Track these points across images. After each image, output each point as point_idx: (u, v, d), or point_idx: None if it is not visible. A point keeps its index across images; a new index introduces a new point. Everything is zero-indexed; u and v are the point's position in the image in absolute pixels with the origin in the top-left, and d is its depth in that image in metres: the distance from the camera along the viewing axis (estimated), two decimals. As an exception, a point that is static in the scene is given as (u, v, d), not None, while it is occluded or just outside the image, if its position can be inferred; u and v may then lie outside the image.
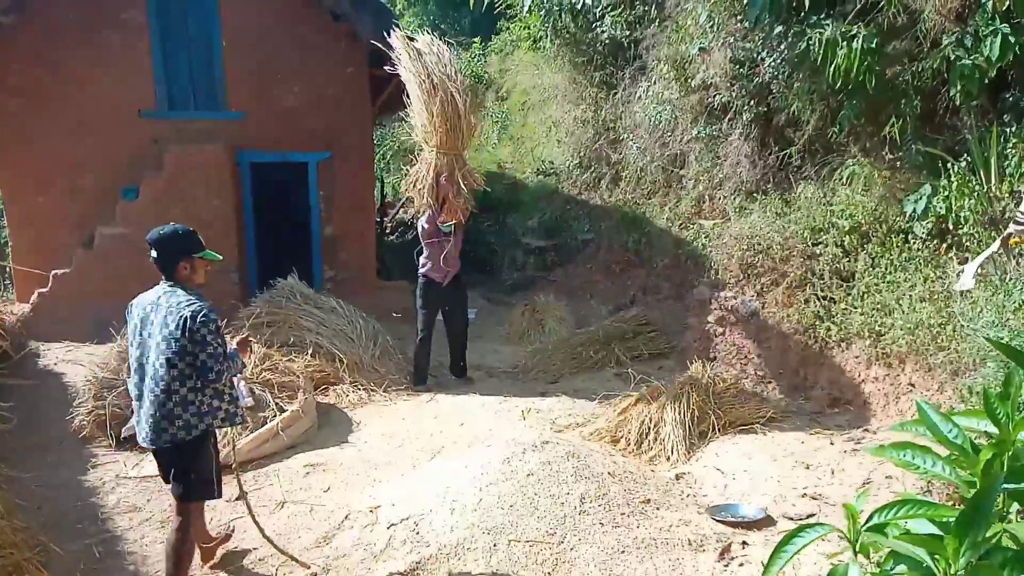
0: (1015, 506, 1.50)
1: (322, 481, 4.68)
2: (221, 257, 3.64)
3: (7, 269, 8.89)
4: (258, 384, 5.52)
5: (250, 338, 3.96)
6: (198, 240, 3.47)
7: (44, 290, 7.78)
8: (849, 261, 5.61)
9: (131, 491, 4.57)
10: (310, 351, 6.46)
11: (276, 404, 5.40)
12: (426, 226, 6.44)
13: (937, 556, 1.33)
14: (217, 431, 3.54)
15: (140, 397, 3.34)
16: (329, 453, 5.13)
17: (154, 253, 3.35)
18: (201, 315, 3.19)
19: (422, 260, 6.58)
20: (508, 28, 14.02)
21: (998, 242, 4.00)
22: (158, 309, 3.27)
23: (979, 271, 4.10)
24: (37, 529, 3.86)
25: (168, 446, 3.27)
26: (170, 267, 3.37)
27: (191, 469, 3.34)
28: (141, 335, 3.32)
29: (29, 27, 7.77)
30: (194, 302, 3.25)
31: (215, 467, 3.44)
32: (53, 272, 7.80)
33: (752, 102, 6.78)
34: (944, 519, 1.41)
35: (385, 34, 6.99)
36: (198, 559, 3.65)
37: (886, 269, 5.28)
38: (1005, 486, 1.43)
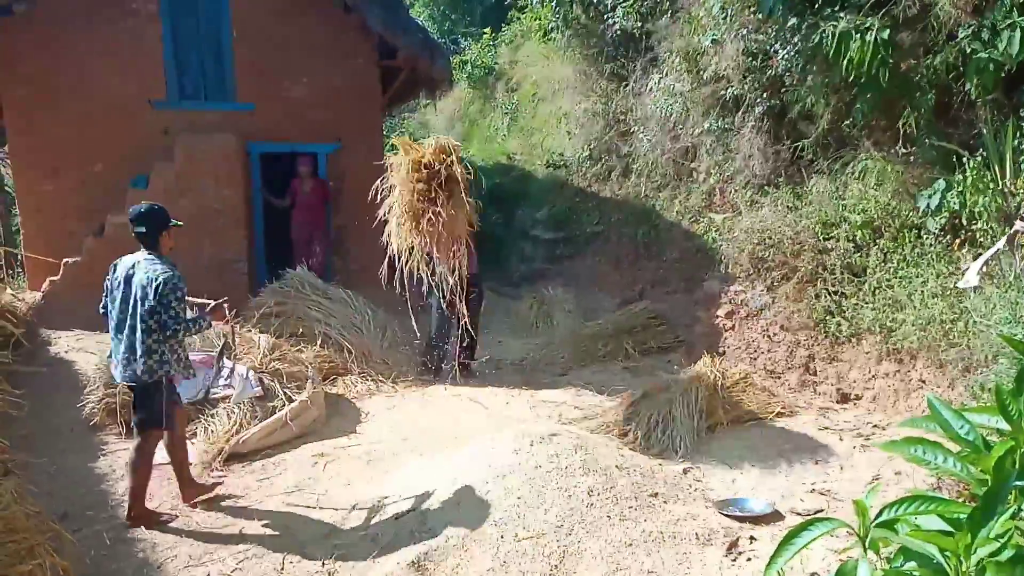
0: (1027, 503, 1.49)
1: (330, 471, 4.70)
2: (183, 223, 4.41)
3: (19, 257, 8.95)
4: (267, 374, 5.55)
5: (225, 303, 4.44)
6: (167, 212, 4.18)
7: (55, 278, 7.82)
8: (861, 256, 5.57)
9: (141, 479, 4.60)
10: (319, 342, 6.48)
11: (285, 394, 5.41)
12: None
13: (948, 553, 1.32)
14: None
15: (117, 340, 4.04)
16: (337, 443, 5.15)
17: (142, 228, 4.02)
18: (171, 283, 3.90)
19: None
20: (519, 19, 13.97)
21: (1003, 239, 3.96)
22: (138, 272, 3.96)
23: (984, 268, 4.06)
24: (49, 515, 3.89)
25: (133, 383, 4.04)
26: (155, 238, 4.06)
27: (147, 405, 4.07)
28: (121, 289, 4.00)
29: (41, 16, 7.79)
30: (168, 271, 3.93)
31: (168, 408, 4.09)
32: (64, 261, 7.83)
33: (765, 95, 6.72)
34: (955, 515, 1.40)
35: (395, 27, 6.76)
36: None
37: (898, 264, 5.24)
38: (1017, 483, 1.42)
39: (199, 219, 7.91)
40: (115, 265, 4.14)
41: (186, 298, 4.04)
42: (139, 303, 3.91)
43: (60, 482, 4.54)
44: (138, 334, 3.92)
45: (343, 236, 8.97)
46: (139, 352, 3.93)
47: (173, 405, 4.14)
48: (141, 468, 4.07)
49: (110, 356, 4.21)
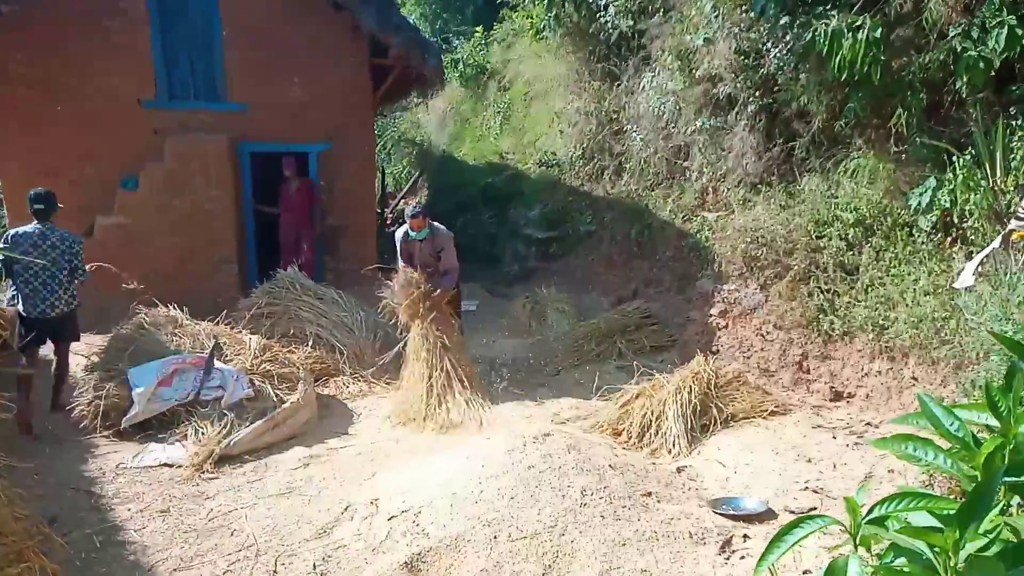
0: (1016, 499, 1.49)
1: (322, 472, 4.68)
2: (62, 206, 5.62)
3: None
4: (258, 375, 5.52)
5: (104, 265, 5.71)
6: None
7: (46, 280, 7.77)
8: (853, 254, 5.58)
9: (131, 481, 4.57)
10: (310, 342, 6.46)
11: (276, 395, 5.39)
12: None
13: (937, 549, 1.32)
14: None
15: (33, 290, 5.27)
16: (329, 444, 5.13)
17: (41, 205, 5.35)
18: (79, 242, 5.47)
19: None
20: (511, 18, 13.96)
21: (999, 239, 3.97)
22: (47, 238, 5.29)
23: (979, 268, 4.07)
24: (37, 518, 3.86)
25: (55, 315, 5.34)
26: (51, 212, 5.41)
27: (72, 327, 5.54)
28: (30, 254, 5.19)
29: (30, 17, 7.74)
30: (75, 234, 5.57)
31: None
32: (54, 262, 7.79)
33: (757, 94, 6.73)
34: (944, 512, 1.40)
35: (387, 25, 6.82)
36: None
37: (890, 263, 5.25)
38: (1006, 479, 1.42)
39: (189, 219, 7.89)
40: (16, 238, 5.26)
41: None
42: (65, 258, 5.31)
43: (49, 485, 4.50)
44: (62, 279, 5.31)
45: (334, 236, 8.94)
46: (62, 292, 5.33)
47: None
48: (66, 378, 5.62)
49: (33, 303, 5.30)
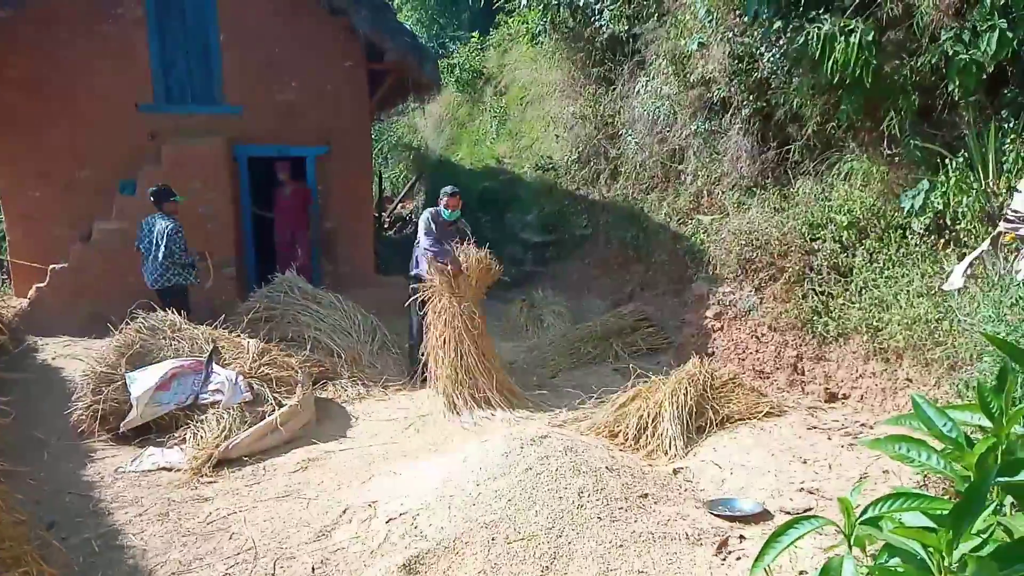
0: (1009, 499, 1.51)
1: (320, 475, 4.69)
2: (183, 198, 6.93)
3: (5, 264, 8.88)
4: (256, 379, 5.53)
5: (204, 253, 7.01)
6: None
7: (42, 285, 7.77)
8: (847, 256, 5.62)
9: (130, 485, 4.58)
10: (308, 346, 6.47)
11: (275, 399, 5.40)
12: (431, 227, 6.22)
13: (931, 549, 1.34)
14: None
15: (143, 266, 6.70)
16: (327, 448, 5.14)
17: (152, 198, 6.69)
18: (174, 230, 6.56)
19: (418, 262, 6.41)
20: (507, 23, 13.99)
21: (988, 241, 4.00)
22: (151, 225, 6.65)
23: (969, 271, 4.10)
24: (36, 523, 3.86)
25: (157, 288, 6.62)
26: (161, 203, 6.65)
27: (173, 300, 6.40)
28: (148, 235, 6.63)
29: (26, 20, 7.75)
30: (173, 224, 6.59)
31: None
32: (51, 267, 7.79)
33: (751, 97, 6.77)
34: (938, 512, 1.42)
35: (383, 30, 6.89)
36: None
37: (884, 264, 5.28)
38: (999, 479, 1.44)
39: (187, 223, 7.88)
40: (146, 219, 6.78)
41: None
42: (164, 239, 6.50)
43: (48, 490, 4.50)
44: (163, 258, 6.54)
45: (331, 240, 8.95)
46: (163, 269, 6.61)
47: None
48: None
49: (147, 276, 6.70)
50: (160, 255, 6.46)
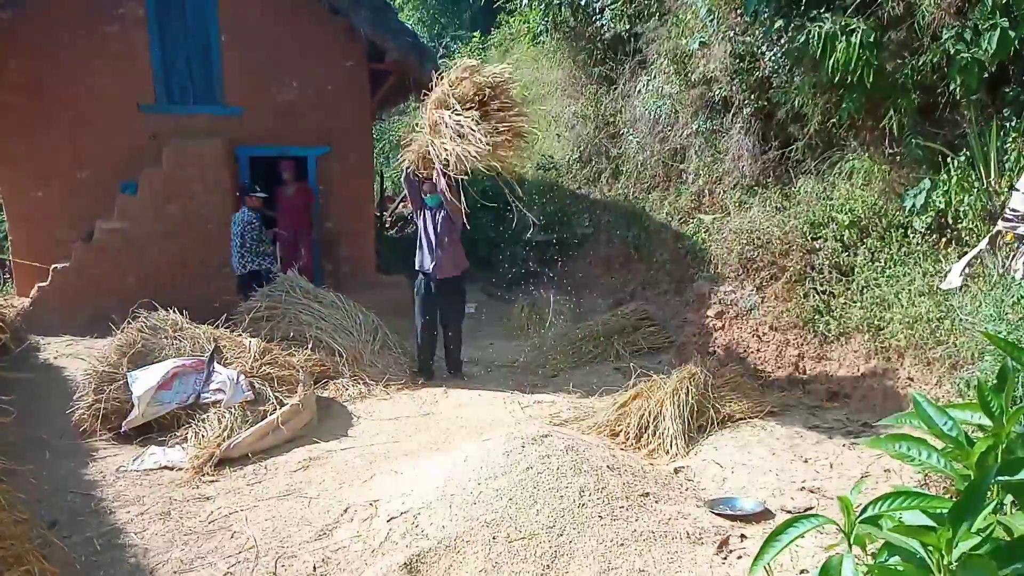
0: (1009, 497, 1.51)
1: (322, 474, 4.70)
2: (265, 194, 7.61)
3: (7, 263, 8.89)
4: (258, 378, 5.53)
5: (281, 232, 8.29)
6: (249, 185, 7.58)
7: (44, 284, 7.78)
8: (848, 255, 5.61)
9: (131, 484, 4.58)
10: (310, 345, 6.47)
11: (276, 398, 5.40)
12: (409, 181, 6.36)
13: (931, 547, 1.34)
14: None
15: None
16: (329, 447, 5.14)
17: (239, 192, 7.62)
18: (248, 222, 7.28)
19: (418, 254, 6.55)
20: (508, 23, 13.99)
21: (986, 240, 4.00)
22: (235, 218, 7.37)
23: (967, 270, 4.09)
24: (38, 521, 3.87)
25: (238, 274, 7.41)
26: (243, 198, 7.46)
27: (257, 280, 7.17)
28: (234, 226, 7.34)
29: (27, 21, 7.76)
30: (248, 215, 7.33)
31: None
32: (53, 266, 7.80)
33: (752, 96, 6.77)
34: (938, 511, 1.42)
35: (384, 30, 6.92)
36: None
37: (885, 264, 5.28)
38: (999, 478, 1.44)
39: (188, 223, 7.91)
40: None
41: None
42: (240, 229, 7.40)
43: (50, 489, 4.51)
44: (238, 247, 7.43)
45: (333, 239, 8.96)
46: (239, 256, 7.43)
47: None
48: None
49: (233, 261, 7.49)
50: (237, 243, 7.29)
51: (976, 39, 4.66)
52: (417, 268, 6.57)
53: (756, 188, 6.80)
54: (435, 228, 6.38)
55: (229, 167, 8.16)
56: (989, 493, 1.40)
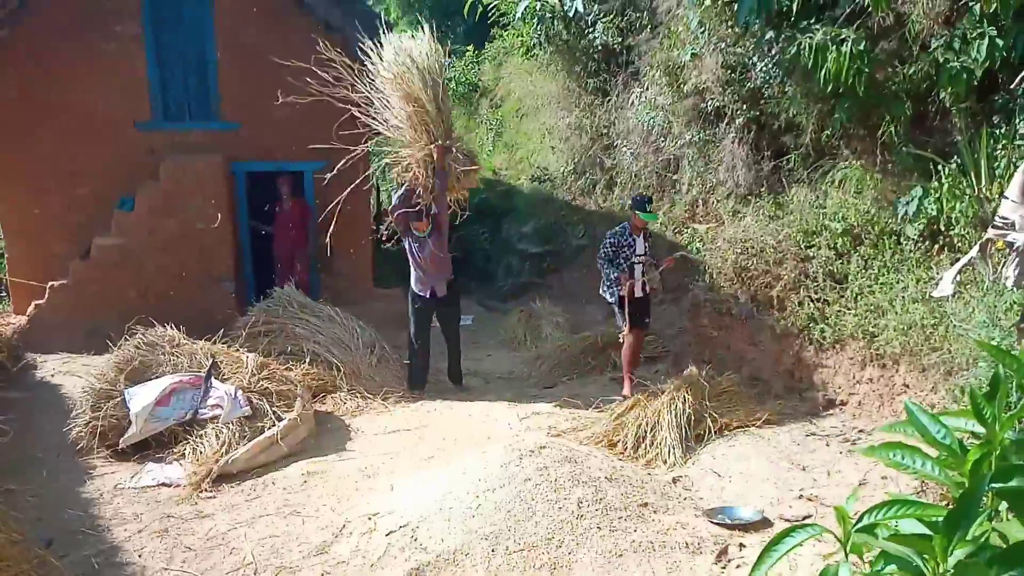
0: (1003, 504, 1.52)
1: (320, 489, 4.69)
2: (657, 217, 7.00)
3: (3, 281, 8.88)
4: (256, 393, 5.53)
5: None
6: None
7: (41, 302, 7.77)
8: (842, 263, 5.64)
9: (129, 502, 4.57)
10: (307, 359, 6.47)
11: (274, 413, 5.40)
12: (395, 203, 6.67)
13: (926, 555, 1.35)
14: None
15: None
16: (327, 461, 5.13)
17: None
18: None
19: (412, 274, 6.59)
20: (501, 36, 14.05)
21: (976, 248, 4.02)
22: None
23: (958, 277, 4.12)
24: (35, 541, 3.85)
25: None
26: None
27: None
28: None
29: (24, 38, 7.79)
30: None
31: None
32: (50, 284, 7.79)
33: (745, 107, 6.82)
34: (933, 519, 1.43)
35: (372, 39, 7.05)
36: None
37: (879, 271, 5.31)
38: (993, 485, 1.45)
39: (185, 239, 7.91)
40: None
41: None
42: None
43: (47, 507, 4.49)
44: None
45: (330, 254, 8.95)
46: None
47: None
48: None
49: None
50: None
51: (965, 48, 4.71)
52: (411, 287, 6.62)
53: (749, 198, 6.84)
54: (426, 256, 6.43)
55: (226, 182, 8.17)
56: (984, 500, 1.41)
